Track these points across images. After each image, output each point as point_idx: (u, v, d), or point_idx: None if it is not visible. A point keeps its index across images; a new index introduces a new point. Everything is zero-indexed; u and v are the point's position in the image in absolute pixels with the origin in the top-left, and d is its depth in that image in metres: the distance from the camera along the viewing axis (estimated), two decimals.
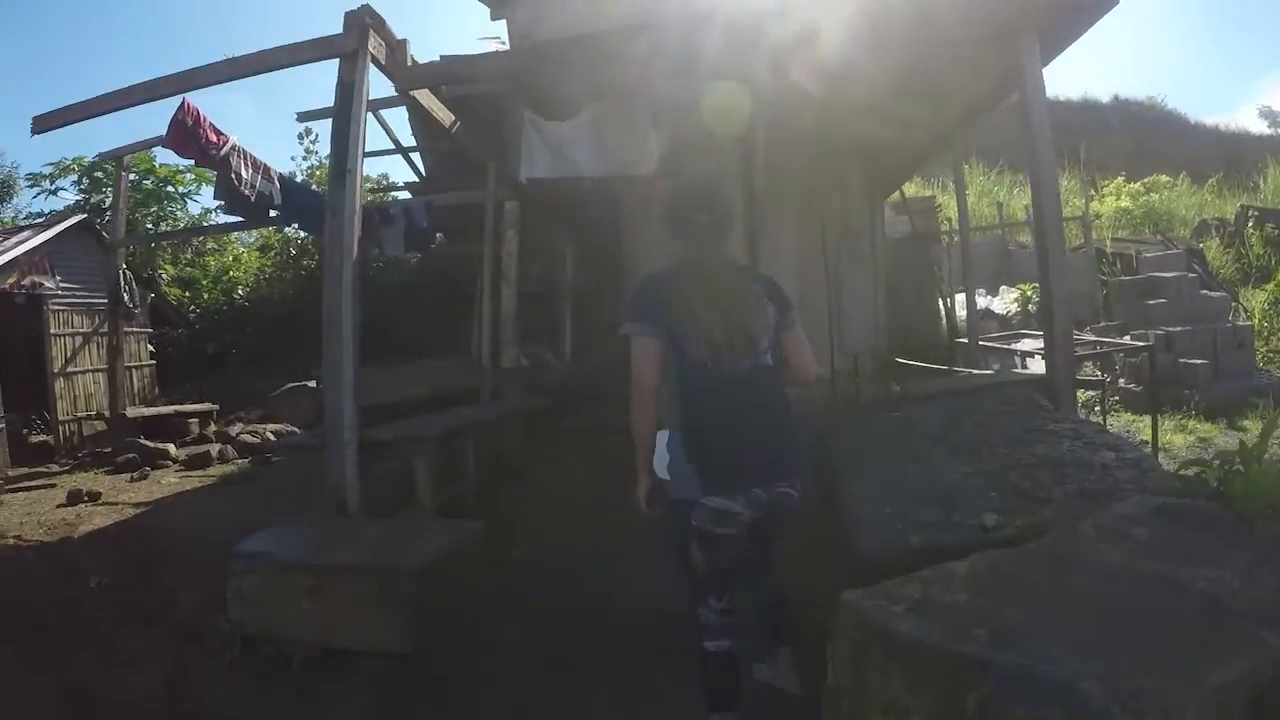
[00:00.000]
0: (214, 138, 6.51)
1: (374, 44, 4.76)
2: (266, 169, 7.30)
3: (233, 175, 6.81)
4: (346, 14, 4.71)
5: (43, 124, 5.04)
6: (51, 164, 18.76)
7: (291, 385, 11.32)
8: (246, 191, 6.95)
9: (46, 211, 15.86)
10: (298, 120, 9.64)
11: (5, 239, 11.95)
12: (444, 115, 6.22)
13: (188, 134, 6.17)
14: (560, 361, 10.34)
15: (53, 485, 8.49)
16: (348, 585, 3.38)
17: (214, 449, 9.57)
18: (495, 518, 5.69)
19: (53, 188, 18.74)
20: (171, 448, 9.83)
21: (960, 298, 10.73)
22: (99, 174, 16.08)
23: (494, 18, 6.59)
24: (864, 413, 5.25)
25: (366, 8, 4.72)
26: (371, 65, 4.81)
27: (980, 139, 16.92)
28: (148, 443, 9.86)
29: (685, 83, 5.49)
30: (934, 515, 3.07)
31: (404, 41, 5.23)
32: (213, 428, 11.67)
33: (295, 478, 7.05)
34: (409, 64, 5.31)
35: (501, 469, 6.81)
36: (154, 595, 4.72)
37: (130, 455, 9.42)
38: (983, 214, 18.14)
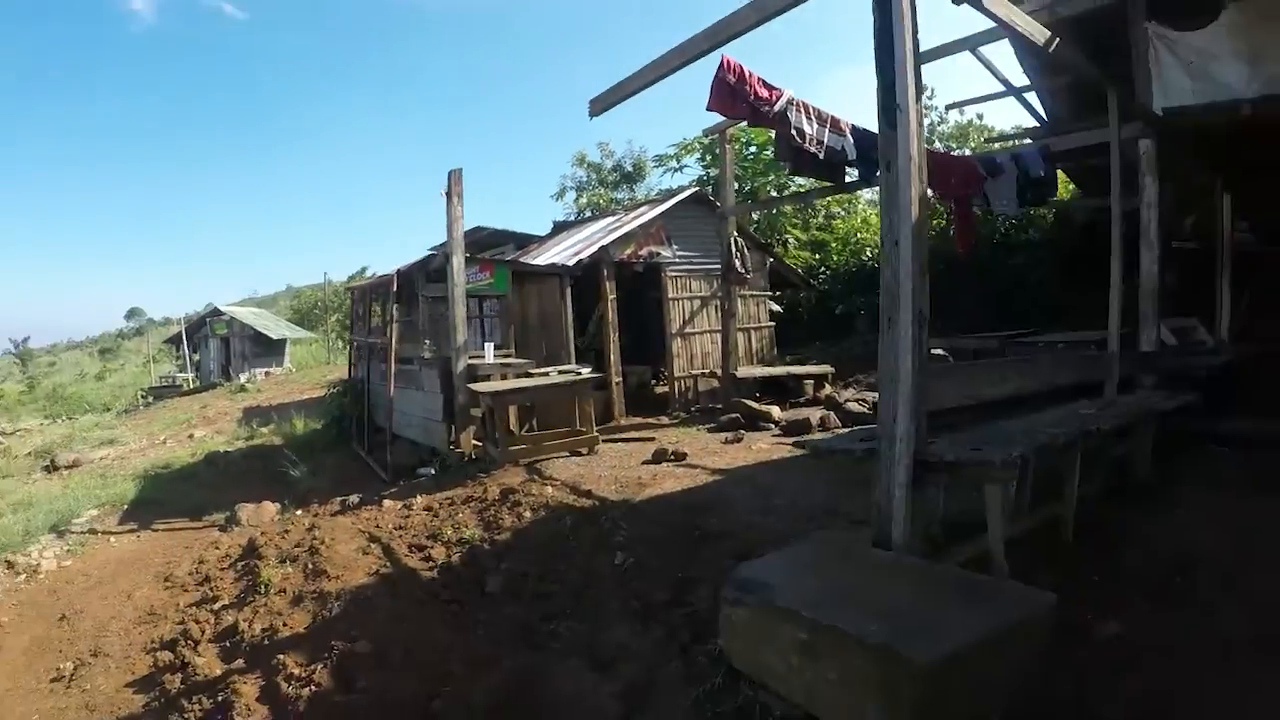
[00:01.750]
0: (764, 93, 5.86)
1: None
2: (835, 121, 6.45)
3: (793, 131, 6.08)
4: None
5: (599, 105, 5.08)
6: (675, 144, 21.30)
7: None
8: (812, 149, 6.13)
9: (676, 188, 17.42)
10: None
11: (625, 214, 13.52)
12: (1032, 29, 4.67)
13: (733, 92, 5.62)
14: (1218, 342, 7.68)
15: (652, 439, 9.07)
16: (841, 656, 2.50)
17: (816, 415, 9.35)
18: (1097, 560, 4.18)
19: (678, 166, 21.36)
20: (776, 410, 9.96)
21: None
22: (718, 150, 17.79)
23: None
24: None
25: None
26: None
27: None
28: (752, 404, 10.18)
29: None
30: None
31: None
32: (826, 390, 11.59)
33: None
34: None
35: (1120, 488, 5.07)
36: (666, 587, 4.45)
37: (734, 415, 9.82)
38: None
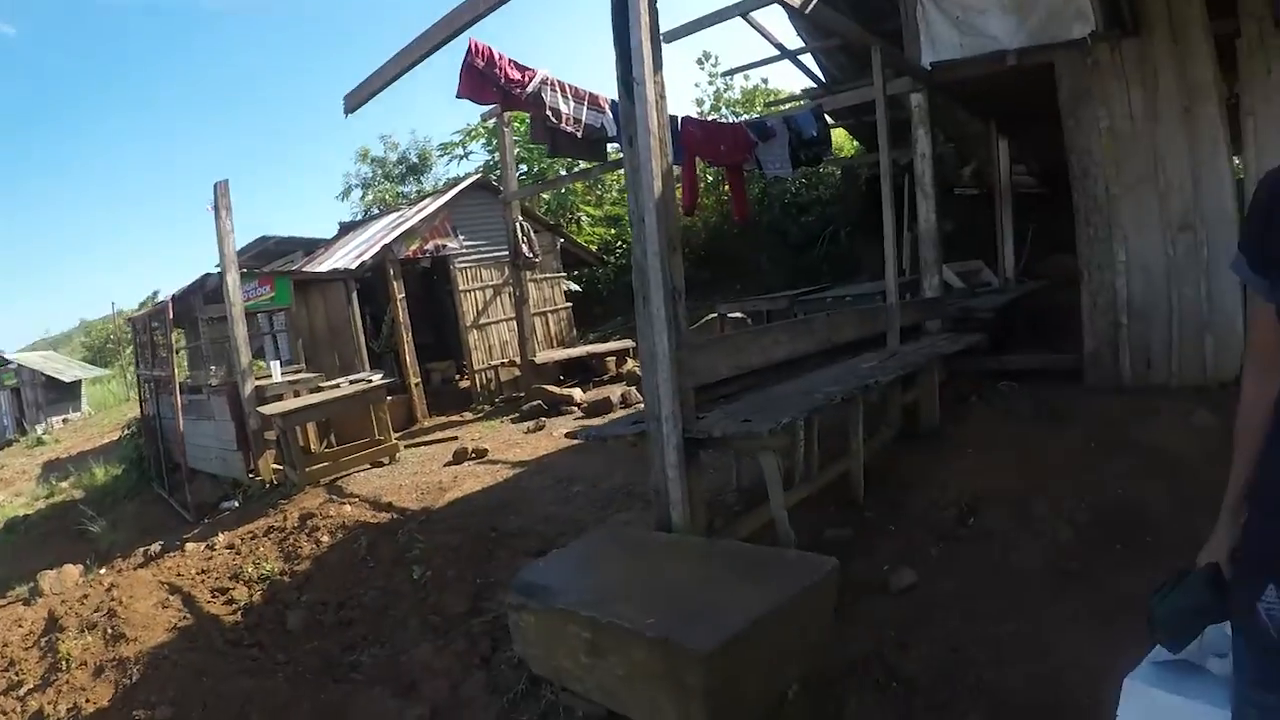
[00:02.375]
0: (516, 75, 5.75)
1: None
2: (594, 98, 6.40)
3: (548, 112, 6.01)
4: None
5: (353, 100, 4.74)
6: (459, 131, 20.66)
7: (710, 317, 10.48)
8: (569, 128, 6.11)
9: (461, 176, 16.92)
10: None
11: (409, 210, 13.07)
12: None
13: (483, 77, 5.48)
14: (1002, 282, 8.23)
15: (455, 438, 8.90)
16: (625, 652, 2.46)
17: (618, 393, 9.31)
18: (891, 511, 4.33)
19: (464, 153, 20.60)
20: (578, 392, 9.95)
21: None
22: None
23: None
24: None
25: None
26: None
27: None
28: (554, 388, 10.11)
29: None
30: None
31: None
32: (628, 365, 11.63)
33: None
34: None
35: (911, 434, 5.32)
36: (465, 597, 4.38)
37: (535, 403, 9.69)
38: None
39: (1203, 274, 5.39)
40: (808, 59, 9.88)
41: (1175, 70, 5.42)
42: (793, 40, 9.67)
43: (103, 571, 7.50)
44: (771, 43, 9.15)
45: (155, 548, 7.59)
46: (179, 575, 6.38)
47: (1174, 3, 5.38)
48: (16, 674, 5.50)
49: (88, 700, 4.58)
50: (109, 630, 5.39)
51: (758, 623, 2.48)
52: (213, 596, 5.66)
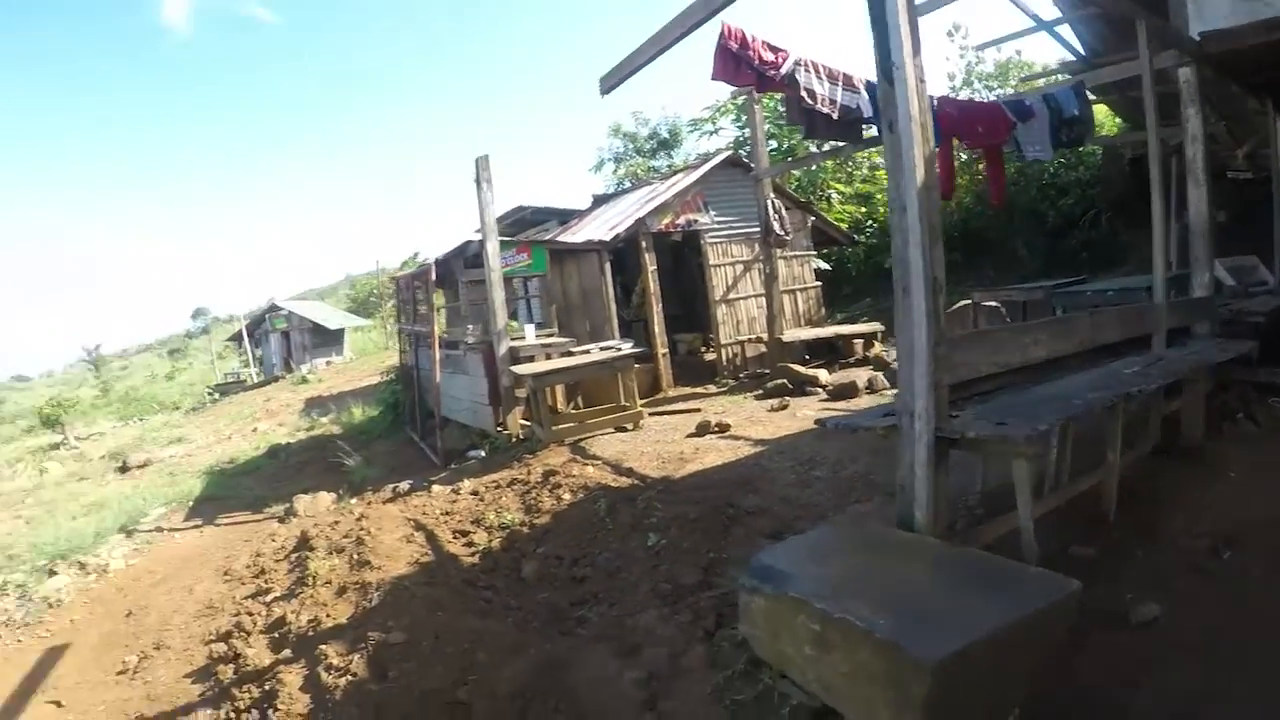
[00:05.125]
0: (769, 56, 5.65)
1: None
2: (848, 78, 6.17)
3: (803, 93, 5.83)
4: None
5: (607, 83, 4.90)
6: (709, 107, 20.71)
7: (963, 303, 9.88)
8: (825, 109, 5.90)
9: (711, 152, 17.34)
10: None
11: (661, 184, 13.34)
12: None
13: (737, 59, 5.43)
14: (1277, 280, 7.21)
15: (698, 410, 9.05)
16: (851, 649, 2.40)
17: (863, 377, 9.06)
18: (1140, 532, 3.93)
19: (713, 129, 20.85)
20: (823, 373, 9.78)
21: None
22: None
23: None
24: None
25: None
26: None
27: None
28: (799, 368, 10.00)
29: None
30: None
31: None
32: (876, 349, 11.35)
33: None
34: None
35: (1170, 449, 4.78)
36: (696, 569, 4.38)
37: (780, 381, 9.67)
38: None
39: None
40: (1065, 30, 9.02)
41: None
42: (1048, 10, 8.93)
43: (353, 501, 8.33)
44: (1026, 13, 8.46)
45: (404, 486, 8.26)
46: (424, 514, 6.88)
47: None
48: (266, 582, 6.26)
49: (328, 615, 5.03)
50: (355, 556, 5.94)
51: (990, 639, 2.35)
52: (453, 537, 6.07)
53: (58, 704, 5.30)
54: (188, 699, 4.76)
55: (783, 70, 5.69)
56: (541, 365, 8.77)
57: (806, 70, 5.89)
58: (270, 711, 4.14)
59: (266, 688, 4.36)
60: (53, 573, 8.13)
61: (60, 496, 12.94)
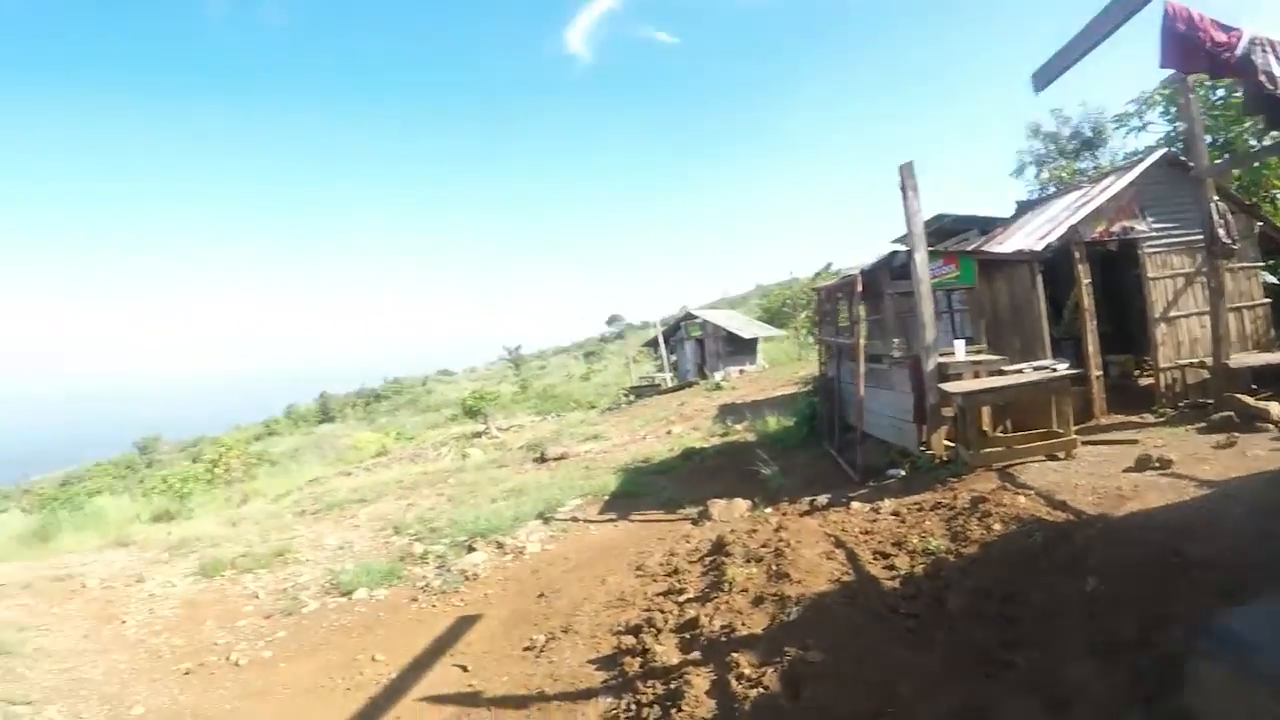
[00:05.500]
0: (1221, 37, 5.02)
1: None
2: None
3: (1262, 77, 5.10)
4: None
5: (1041, 79, 4.74)
6: (1133, 100, 18.35)
7: None
8: None
9: (1139, 151, 15.42)
10: None
11: (1090, 188, 12.29)
12: None
13: (1185, 42, 4.92)
14: None
15: (1134, 441, 8.33)
16: None
17: None
18: None
19: (1140, 124, 18.30)
20: (1274, 406, 8.43)
21: None
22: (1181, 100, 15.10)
23: None
24: None
25: None
26: None
27: None
28: (1247, 399, 8.78)
29: None
30: None
31: None
32: None
33: None
34: None
35: None
36: (1134, 622, 3.96)
37: (1226, 413, 8.59)
38: None
39: None
40: None
41: None
42: None
43: (768, 511, 8.63)
44: None
45: (822, 499, 8.44)
46: (843, 530, 6.92)
47: None
48: (679, 582, 6.52)
49: (742, 623, 5.10)
50: (773, 567, 6.01)
51: None
52: (874, 558, 6.01)
53: (463, 669, 5.87)
54: (590, 684, 5.05)
55: (1237, 51, 5.13)
56: (971, 384, 8.58)
57: (1265, 50, 5.23)
58: (674, 711, 4.24)
59: (672, 686, 4.51)
60: (471, 548, 9.09)
61: (481, 480, 14.62)
